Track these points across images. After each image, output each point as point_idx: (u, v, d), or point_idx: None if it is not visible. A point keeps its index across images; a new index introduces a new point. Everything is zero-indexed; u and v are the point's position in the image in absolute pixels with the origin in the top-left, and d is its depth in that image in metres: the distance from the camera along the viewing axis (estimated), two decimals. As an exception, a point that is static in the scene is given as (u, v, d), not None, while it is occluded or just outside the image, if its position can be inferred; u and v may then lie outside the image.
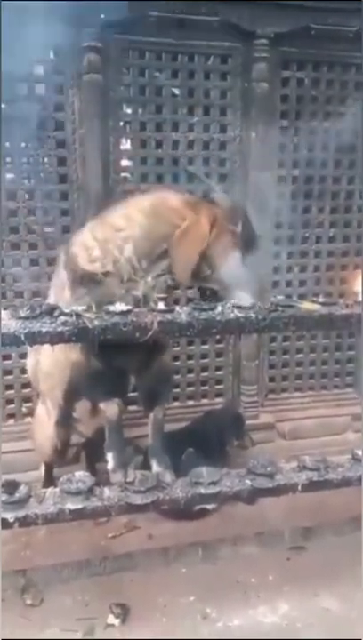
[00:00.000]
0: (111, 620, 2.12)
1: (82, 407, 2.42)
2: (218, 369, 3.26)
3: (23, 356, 2.82)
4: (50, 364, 2.31)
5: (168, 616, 2.15)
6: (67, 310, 1.68)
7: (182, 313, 1.77)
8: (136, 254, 1.97)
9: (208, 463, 2.03)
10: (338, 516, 2.55)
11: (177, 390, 3.15)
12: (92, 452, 2.69)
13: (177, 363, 3.13)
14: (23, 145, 2.77)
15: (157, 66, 2.80)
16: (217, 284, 2.04)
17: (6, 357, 2.88)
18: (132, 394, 2.44)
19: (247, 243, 2.06)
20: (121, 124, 2.84)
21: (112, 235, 2.00)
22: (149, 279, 2.00)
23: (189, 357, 3.19)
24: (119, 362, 2.06)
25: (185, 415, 3.00)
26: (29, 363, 2.55)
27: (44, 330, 1.64)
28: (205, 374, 3.24)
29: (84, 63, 2.61)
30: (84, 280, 1.97)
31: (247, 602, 2.22)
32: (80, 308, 1.69)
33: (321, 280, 3.28)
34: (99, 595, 2.23)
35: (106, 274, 1.97)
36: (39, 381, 2.47)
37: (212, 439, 2.76)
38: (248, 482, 1.89)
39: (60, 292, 2.12)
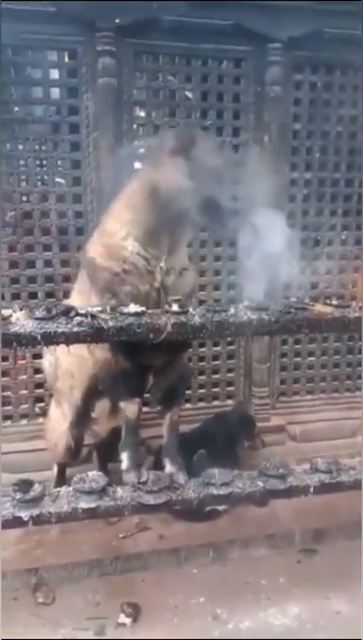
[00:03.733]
0: (122, 619, 2.13)
1: (100, 407, 2.44)
2: (229, 371, 3.26)
3: (37, 356, 2.85)
4: (70, 363, 2.33)
5: (179, 616, 2.16)
6: (82, 311, 1.70)
7: (196, 315, 1.78)
8: (141, 245, 2.01)
9: (219, 465, 2.04)
10: (348, 519, 2.55)
11: (188, 392, 3.15)
12: (104, 453, 2.71)
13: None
14: (38, 147, 2.80)
15: (171, 70, 2.82)
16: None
17: (20, 357, 2.91)
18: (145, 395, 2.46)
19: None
20: (135, 126, 2.86)
21: (112, 239, 2.05)
22: (162, 264, 2.02)
23: (201, 359, 3.20)
24: (144, 359, 2.08)
25: (196, 417, 3.01)
26: (46, 362, 2.57)
27: (60, 330, 1.67)
28: (217, 376, 3.26)
29: (99, 67, 2.64)
30: (108, 284, 2.01)
31: (258, 603, 2.22)
32: (95, 309, 1.71)
33: (333, 283, 3.28)
34: (110, 594, 2.24)
35: (125, 271, 2.00)
36: (57, 380, 2.49)
37: (223, 441, 2.76)
38: (260, 483, 1.90)
39: (83, 297, 2.16)
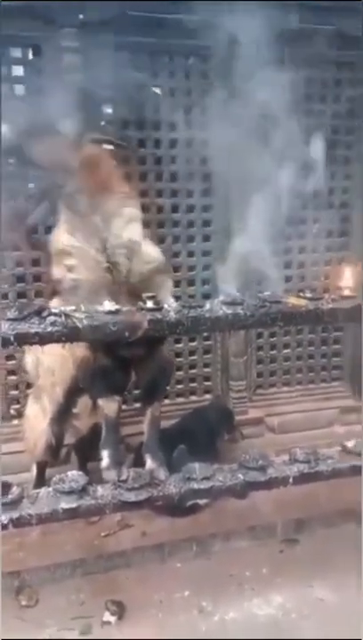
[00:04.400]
0: (107, 617, 2.13)
1: (82, 403, 2.43)
2: (206, 366, 3.28)
3: (10, 357, 2.82)
4: (51, 361, 2.32)
5: (164, 611, 2.17)
6: (55, 310, 1.69)
7: (171, 311, 1.78)
8: (72, 235, 2.09)
9: (199, 459, 2.05)
10: (328, 508, 2.59)
11: (167, 388, 3.15)
12: (83, 452, 2.70)
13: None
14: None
15: (137, 65, 2.80)
16: None
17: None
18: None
19: None
20: (102, 123, 2.84)
21: (54, 247, 2.14)
22: (112, 239, 2.06)
23: (178, 355, 3.20)
24: (122, 354, 2.08)
25: (175, 412, 3.02)
26: (28, 360, 2.55)
27: (32, 330, 1.65)
28: (194, 371, 3.26)
29: (64, 63, 2.61)
30: (66, 289, 2.06)
31: (242, 595, 2.25)
32: (69, 308, 1.70)
33: (306, 276, 3.32)
34: (94, 593, 2.24)
35: (70, 268, 2.05)
36: (39, 378, 2.47)
37: (202, 435, 2.77)
38: (241, 476, 1.91)
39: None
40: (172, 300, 2.14)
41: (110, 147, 2.32)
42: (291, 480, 1.94)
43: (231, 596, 2.23)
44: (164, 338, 2.25)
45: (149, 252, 2.16)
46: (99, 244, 2.03)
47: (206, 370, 3.28)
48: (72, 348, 2.09)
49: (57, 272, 2.12)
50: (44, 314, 1.69)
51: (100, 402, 2.15)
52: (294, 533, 2.55)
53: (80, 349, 2.10)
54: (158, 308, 1.77)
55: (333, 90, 3.14)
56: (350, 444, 2.08)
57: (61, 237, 2.10)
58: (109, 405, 2.12)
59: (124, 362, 2.14)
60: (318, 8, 2.82)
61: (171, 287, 2.32)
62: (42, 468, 2.63)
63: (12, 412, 2.95)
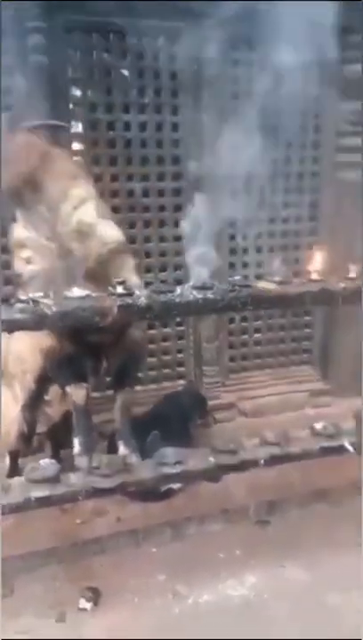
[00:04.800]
0: (83, 604, 2.13)
1: (54, 390, 2.41)
2: (179, 352, 3.28)
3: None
4: (20, 348, 2.29)
5: (140, 596, 2.18)
6: (23, 297, 1.66)
7: (142, 296, 1.77)
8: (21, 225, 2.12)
9: (173, 445, 2.05)
10: (299, 490, 2.63)
11: (139, 374, 3.15)
12: (56, 440, 2.68)
13: (137, 347, 3.14)
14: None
15: (105, 46, 2.75)
16: None
17: None
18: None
19: None
20: (70, 106, 2.79)
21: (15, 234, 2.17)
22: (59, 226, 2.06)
23: (151, 342, 3.19)
24: (92, 341, 2.06)
25: (148, 399, 3.01)
26: None
27: (0, 318, 1.62)
28: (167, 357, 3.26)
29: (29, 45, 2.54)
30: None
31: (216, 577, 2.27)
32: (38, 295, 1.67)
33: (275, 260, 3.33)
34: (69, 581, 2.24)
35: (28, 260, 2.05)
36: (9, 364, 2.44)
37: (175, 421, 2.78)
38: (212, 459, 1.93)
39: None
40: (135, 279, 2.12)
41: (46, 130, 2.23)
42: (262, 462, 1.96)
43: (205, 579, 2.25)
44: (128, 325, 2.24)
45: (107, 232, 2.11)
46: (48, 231, 2.00)
47: (179, 356, 3.29)
48: (39, 336, 2.06)
49: (17, 265, 2.10)
50: (12, 301, 1.66)
51: (69, 389, 2.14)
52: (266, 515, 2.59)
53: (47, 337, 2.07)
54: (129, 294, 1.76)
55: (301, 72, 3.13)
56: (318, 425, 2.11)
57: (16, 230, 2.08)
58: (77, 393, 2.11)
59: (93, 348, 2.12)
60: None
61: (133, 266, 2.28)
62: (14, 457, 2.61)
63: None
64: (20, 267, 2.10)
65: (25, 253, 2.06)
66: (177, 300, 1.79)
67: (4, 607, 2.13)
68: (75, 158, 2.78)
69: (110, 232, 2.14)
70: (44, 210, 2.02)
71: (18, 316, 1.62)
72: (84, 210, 2.08)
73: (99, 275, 1.98)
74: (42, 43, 2.55)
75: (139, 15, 2.68)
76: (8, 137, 2.05)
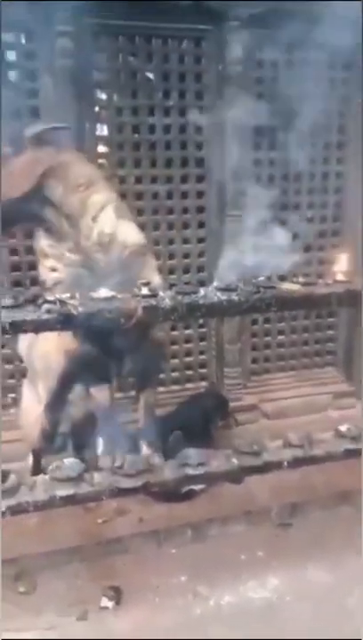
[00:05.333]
0: (105, 602, 2.15)
1: (77, 389, 2.43)
2: (201, 353, 3.29)
3: (5, 345, 2.82)
4: (47, 347, 2.31)
5: (161, 596, 2.19)
6: (51, 298, 1.68)
7: (166, 297, 1.78)
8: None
9: (195, 445, 2.06)
10: (322, 492, 2.62)
11: (162, 375, 3.16)
12: (79, 440, 2.70)
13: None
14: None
15: (131, 50, 2.78)
16: None
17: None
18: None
19: None
20: (96, 109, 2.82)
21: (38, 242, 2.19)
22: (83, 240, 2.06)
23: (173, 343, 3.21)
24: (111, 342, 2.08)
25: (170, 400, 3.03)
26: (22, 345, 2.54)
27: (28, 318, 1.64)
28: (189, 359, 3.27)
29: (57, 48, 2.58)
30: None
31: (238, 579, 2.27)
32: (65, 296, 1.69)
33: (300, 262, 3.32)
34: (91, 579, 2.25)
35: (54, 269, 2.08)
36: (34, 363, 2.47)
37: (197, 422, 2.79)
38: (235, 461, 1.93)
39: None
40: (158, 279, 2.13)
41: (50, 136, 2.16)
42: (285, 464, 1.96)
43: (227, 580, 2.25)
44: (150, 326, 2.25)
45: (127, 236, 2.12)
46: (71, 244, 2.02)
47: (202, 357, 3.29)
48: (65, 336, 2.08)
49: (42, 272, 2.13)
50: (40, 301, 1.68)
51: (93, 390, 2.15)
52: (288, 517, 2.58)
53: (73, 337, 2.10)
54: (153, 295, 1.77)
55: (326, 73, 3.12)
56: (343, 427, 2.10)
57: (41, 240, 2.09)
58: (101, 393, 2.12)
59: (117, 349, 2.14)
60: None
61: (155, 266, 2.29)
62: (38, 455, 2.64)
63: (8, 400, 2.96)
64: (44, 274, 2.13)
65: (49, 262, 2.08)
66: (201, 301, 1.80)
67: (26, 604, 2.16)
68: (97, 161, 2.82)
69: (131, 235, 2.15)
70: (64, 224, 2.03)
71: (45, 316, 1.64)
72: (103, 218, 2.08)
73: (121, 276, 1.99)
74: (69, 46, 2.58)
75: (164, 18, 2.69)
76: (11, 157, 2.03)
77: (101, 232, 2.04)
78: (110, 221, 2.08)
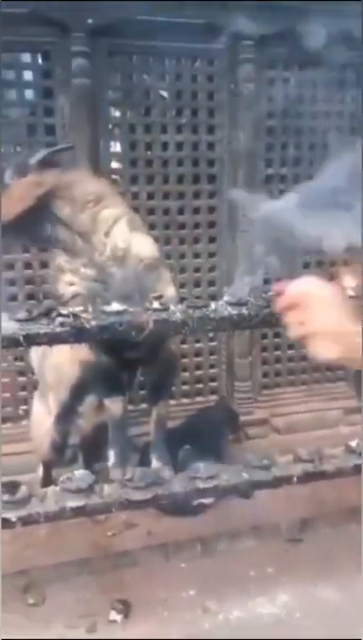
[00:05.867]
0: (113, 616, 2.15)
1: (88, 401, 2.45)
2: (212, 366, 3.30)
3: (20, 358, 2.85)
4: (58, 357, 2.33)
5: (169, 610, 2.19)
6: (64, 311, 1.71)
7: (177, 311, 1.80)
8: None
9: (204, 459, 2.06)
10: (333, 508, 2.60)
11: (172, 389, 3.18)
12: (89, 452, 2.72)
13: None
14: (13, 150, 2.79)
15: (145, 69, 2.84)
16: None
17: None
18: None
19: None
20: (110, 126, 2.88)
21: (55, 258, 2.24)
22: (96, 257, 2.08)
23: (184, 356, 3.22)
24: (126, 355, 2.10)
25: (180, 413, 3.04)
26: (34, 355, 2.57)
27: (42, 331, 1.67)
28: (199, 372, 3.28)
29: (73, 68, 2.64)
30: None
31: (246, 594, 2.26)
32: (77, 309, 1.72)
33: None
34: (100, 591, 2.26)
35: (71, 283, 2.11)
36: (44, 374, 2.50)
37: (207, 436, 2.79)
38: (245, 475, 1.93)
39: None
40: (172, 291, 2.15)
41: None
42: (295, 479, 1.95)
43: (236, 596, 2.24)
44: (164, 340, 2.26)
45: (140, 250, 2.12)
46: (86, 260, 2.05)
47: (212, 371, 3.31)
48: (78, 348, 2.11)
49: (60, 287, 2.16)
50: (53, 314, 1.71)
51: (107, 401, 2.17)
52: (298, 533, 2.57)
53: (85, 349, 2.12)
54: (164, 309, 1.79)
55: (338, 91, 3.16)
56: (353, 443, 2.09)
57: (57, 257, 2.13)
58: (114, 405, 2.14)
59: (129, 362, 2.16)
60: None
61: (169, 279, 2.29)
62: (48, 467, 2.66)
63: (20, 412, 2.98)
64: (62, 288, 2.15)
65: (66, 277, 2.11)
66: (212, 315, 1.82)
67: (35, 615, 2.17)
68: (111, 177, 2.86)
69: (145, 247, 2.16)
70: (77, 241, 2.07)
71: (58, 329, 1.67)
72: (116, 232, 2.08)
73: (136, 289, 2.01)
74: (85, 65, 2.64)
75: (177, 38, 2.75)
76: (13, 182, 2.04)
77: (115, 246, 2.06)
78: (123, 235, 2.08)
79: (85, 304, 1.84)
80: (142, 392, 2.89)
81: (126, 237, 2.08)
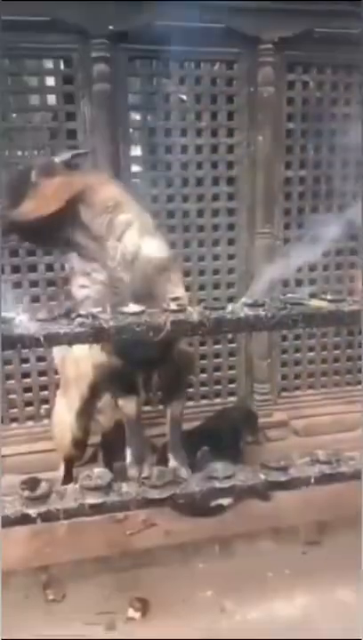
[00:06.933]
0: (131, 613, 2.17)
1: (106, 398, 2.49)
2: (231, 368, 3.31)
3: (41, 359, 2.90)
4: (78, 353, 2.34)
5: (187, 610, 2.19)
6: (83, 312, 1.75)
7: (194, 312, 1.82)
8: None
9: (223, 460, 2.07)
10: (351, 511, 2.58)
11: (191, 390, 3.20)
12: (109, 451, 2.76)
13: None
14: (37, 154, 2.85)
15: (164, 73, 2.87)
16: None
17: (24, 361, 2.96)
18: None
19: None
20: (130, 130, 2.91)
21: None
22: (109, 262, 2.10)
23: (203, 357, 3.24)
24: (142, 354, 2.12)
25: (199, 414, 3.05)
26: (57, 355, 2.62)
27: (62, 331, 1.71)
28: (219, 374, 3.30)
29: (94, 73, 2.69)
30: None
31: (264, 595, 2.26)
32: (96, 310, 1.76)
33: (330, 278, 3.32)
34: (119, 589, 2.28)
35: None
36: (66, 370, 2.54)
37: (226, 437, 2.80)
38: (262, 476, 1.93)
39: None
40: (181, 291, 2.17)
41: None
42: (312, 480, 1.95)
43: (253, 597, 2.24)
44: (176, 340, 2.27)
45: (151, 250, 2.13)
46: (98, 264, 2.08)
47: (231, 372, 3.32)
48: (96, 347, 2.14)
49: (73, 289, 2.20)
50: (73, 315, 1.75)
51: (120, 401, 2.20)
52: (316, 535, 2.56)
53: (96, 353, 2.16)
54: (181, 310, 1.81)
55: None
56: (372, 446, 2.08)
57: (73, 260, 2.18)
58: (129, 405, 2.17)
59: (145, 362, 2.18)
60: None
61: (179, 280, 2.30)
62: (69, 465, 2.70)
63: (42, 411, 3.04)
64: (75, 291, 2.20)
65: (79, 280, 2.15)
66: (228, 316, 1.83)
67: (55, 612, 2.20)
68: (131, 180, 2.90)
69: (154, 249, 2.16)
70: (92, 245, 2.10)
71: (78, 329, 1.71)
72: (127, 237, 2.10)
73: (146, 290, 2.03)
74: (105, 71, 2.68)
75: (197, 42, 2.78)
76: (43, 179, 2.08)
77: (125, 249, 2.08)
78: (133, 239, 2.10)
79: (96, 307, 1.87)
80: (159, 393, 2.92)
81: (136, 242, 2.10)
